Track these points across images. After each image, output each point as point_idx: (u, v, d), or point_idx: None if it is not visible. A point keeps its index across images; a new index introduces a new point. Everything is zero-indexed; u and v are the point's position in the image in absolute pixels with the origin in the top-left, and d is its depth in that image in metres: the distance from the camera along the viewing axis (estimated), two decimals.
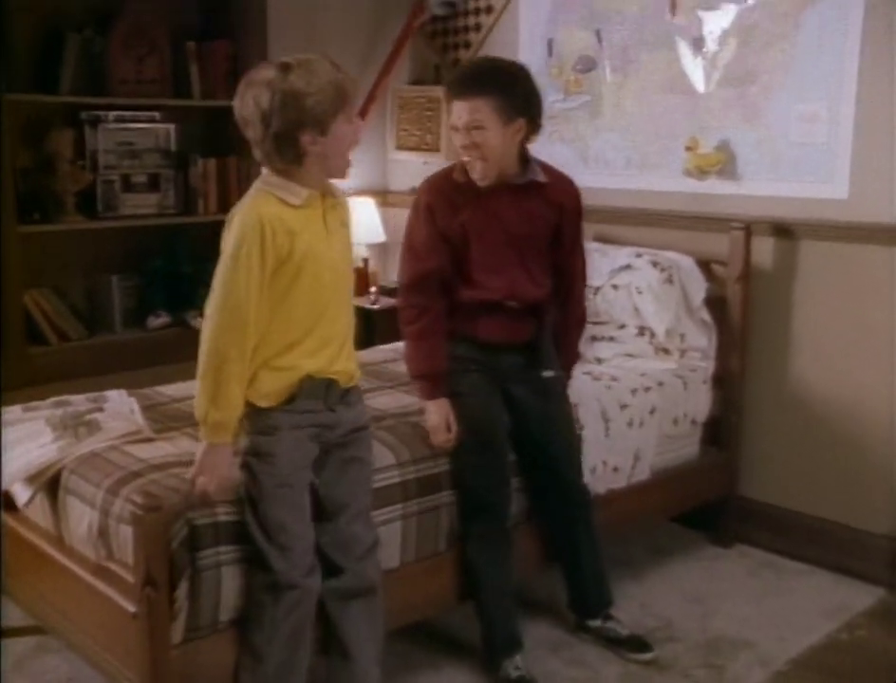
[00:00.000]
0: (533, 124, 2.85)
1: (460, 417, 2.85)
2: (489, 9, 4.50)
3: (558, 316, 3.03)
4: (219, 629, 2.37)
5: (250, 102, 2.29)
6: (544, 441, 2.97)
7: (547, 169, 2.94)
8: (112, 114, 4.03)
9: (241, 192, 4.22)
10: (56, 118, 3.90)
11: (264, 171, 2.39)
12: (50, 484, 2.62)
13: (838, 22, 3.41)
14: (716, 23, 3.71)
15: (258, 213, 2.28)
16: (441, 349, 2.89)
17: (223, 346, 2.29)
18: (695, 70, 3.79)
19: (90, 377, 3.54)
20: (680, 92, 3.85)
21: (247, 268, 2.27)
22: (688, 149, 3.79)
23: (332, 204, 2.42)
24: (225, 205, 4.31)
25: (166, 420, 2.92)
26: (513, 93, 2.78)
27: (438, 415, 2.84)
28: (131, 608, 2.25)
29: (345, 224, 2.48)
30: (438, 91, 4.59)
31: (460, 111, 2.79)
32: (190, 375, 3.43)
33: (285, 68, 2.30)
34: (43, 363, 3.73)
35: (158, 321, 4.16)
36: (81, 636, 2.51)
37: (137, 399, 3.03)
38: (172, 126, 4.21)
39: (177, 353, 4.05)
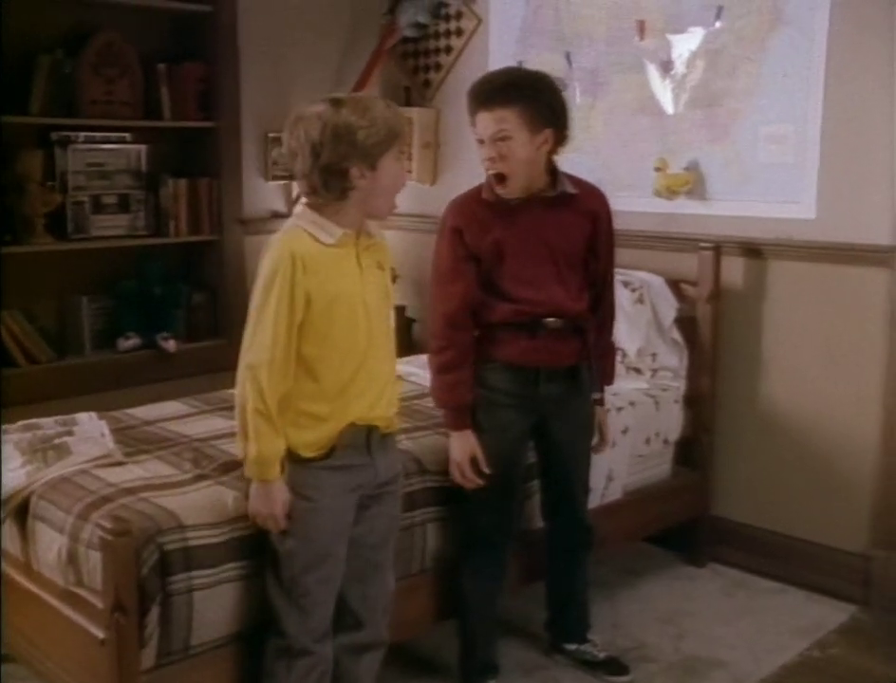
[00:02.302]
0: (560, 135, 2.74)
1: (483, 455, 2.75)
2: (459, 32, 4.52)
3: (595, 332, 2.90)
4: (191, 654, 2.34)
5: (300, 134, 2.25)
6: (568, 479, 2.94)
7: (575, 180, 2.82)
8: (82, 135, 4.00)
9: (212, 213, 4.32)
10: (26, 139, 3.87)
11: (298, 208, 2.38)
12: (19, 509, 2.59)
13: (803, 45, 3.45)
14: (684, 46, 3.75)
15: (290, 249, 2.24)
16: (468, 381, 2.76)
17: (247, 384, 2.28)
18: (664, 92, 3.83)
19: (60, 399, 3.50)
20: (649, 114, 3.88)
21: (275, 309, 2.23)
22: (657, 170, 3.82)
23: (367, 245, 2.36)
24: (196, 226, 4.31)
25: (137, 443, 2.89)
26: (539, 102, 2.67)
27: (461, 449, 2.74)
28: (100, 634, 2.22)
29: (381, 266, 2.41)
30: (410, 112, 4.61)
31: (486, 122, 2.68)
32: (161, 397, 3.46)
33: (337, 103, 2.25)
34: (11, 386, 3.69)
35: (128, 343, 4.12)
36: (49, 664, 2.47)
37: (107, 422, 3.01)
38: (143, 147, 4.19)
39: (148, 375, 4.07)
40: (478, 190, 2.81)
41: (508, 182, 2.71)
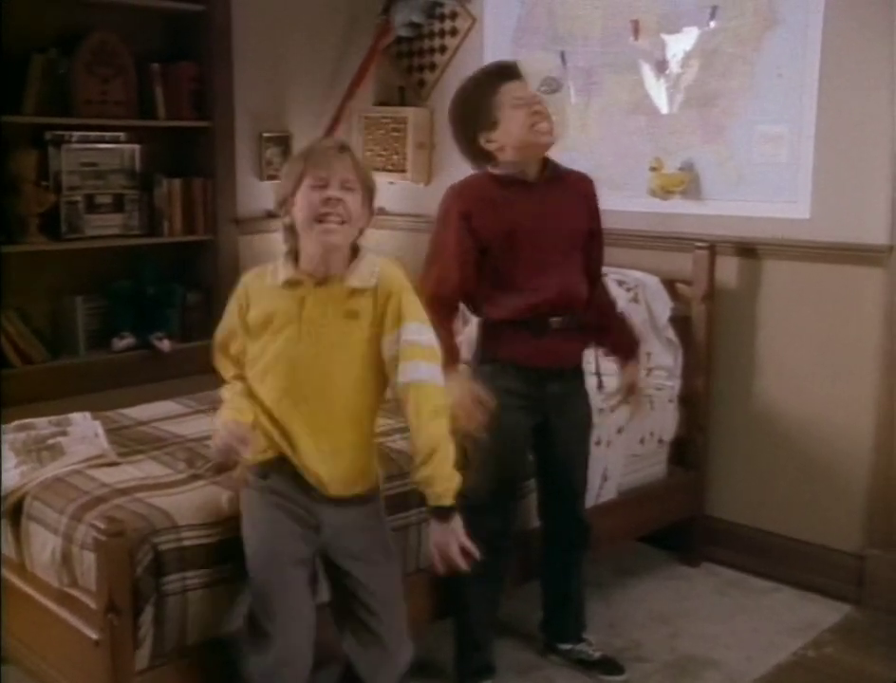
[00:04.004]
0: None
1: (487, 458, 2.71)
2: (454, 32, 4.52)
3: (597, 313, 2.93)
4: (186, 655, 2.34)
5: None
6: (568, 477, 2.95)
7: (560, 166, 2.88)
8: (76, 134, 3.99)
9: (207, 213, 4.32)
10: (20, 138, 3.86)
11: None
12: (13, 510, 2.58)
13: (798, 45, 3.46)
14: (678, 46, 3.75)
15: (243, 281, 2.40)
16: (452, 334, 2.76)
17: None
18: (658, 92, 3.83)
19: (54, 399, 3.49)
20: (643, 114, 3.88)
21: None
22: (652, 169, 3.82)
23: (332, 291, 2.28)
24: (190, 226, 4.30)
25: (131, 443, 2.89)
26: None
27: (459, 389, 2.61)
28: (94, 635, 2.22)
29: (352, 315, 2.28)
30: (405, 112, 4.61)
31: (523, 87, 2.80)
32: (155, 397, 3.45)
33: None
34: (5, 387, 3.68)
35: (122, 342, 4.11)
36: (43, 666, 2.47)
37: (101, 422, 3.00)
38: (137, 147, 4.19)
39: (143, 375, 4.06)
40: (484, 173, 2.81)
41: (552, 128, 2.77)
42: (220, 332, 2.43)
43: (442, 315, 2.66)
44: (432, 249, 2.82)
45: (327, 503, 2.30)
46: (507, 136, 2.73)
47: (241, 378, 2.37)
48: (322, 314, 2.26)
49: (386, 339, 2.27)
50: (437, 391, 2.28)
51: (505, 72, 2.81)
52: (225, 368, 2.43)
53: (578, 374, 2.90)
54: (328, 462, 2.28)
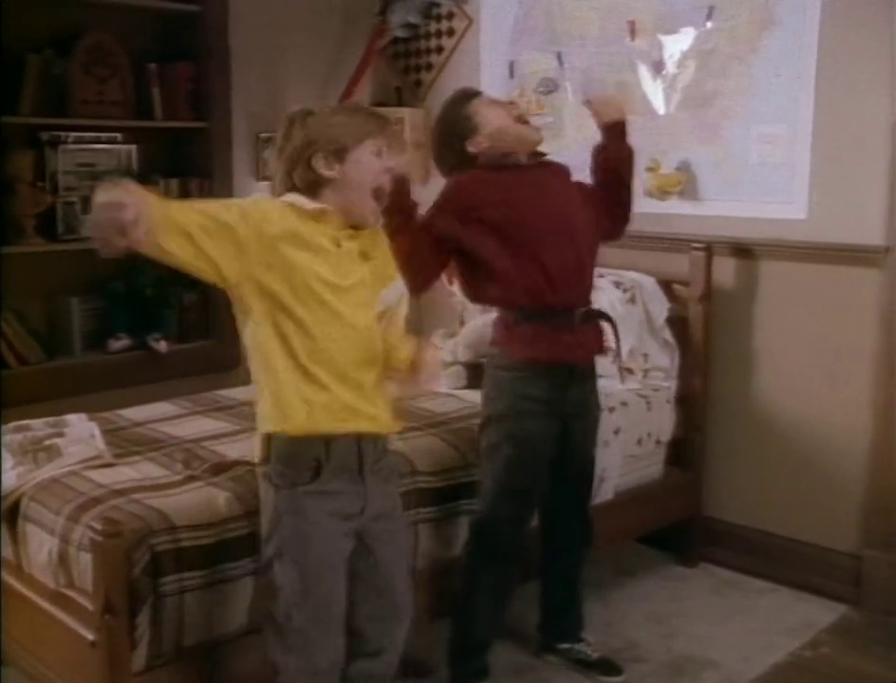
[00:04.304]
0: None
1: (508, 465, 2.71)
2: (450, 32, 4.52)
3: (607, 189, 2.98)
4: (183, 656, 2.34)
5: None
6: (580, 478, 2.96)
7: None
8: (72, 135, 3.98)
9: None
10: (16, 139, 3.85)
11: None
12: (9, 511, 2.58)
13: (795, 45, 3.46)
14: (675, 46, 3.76)
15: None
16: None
17: None
18: (655, 93, 3.83)
19: (50, 401, 3.48)
20: (640, 114, 3.88)
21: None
22: (649, 170, 3.82)
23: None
24: None
25: (127, 444, 2.89)
26: None
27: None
28: (90, 636, 2.22)
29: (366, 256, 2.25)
30: (401, 112, 4.61)
31: (487, 98, 2.91)
32: (152, 398, 3.45)
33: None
34: (2, 388, 3.67)
35: (118, 343, 4.10)
36: (39, 667, 2.47)
37: (97, 423, 3.00)
38: (133, 147, 4.17)
39: (139, 376, 4.05)
40: (481, 168, 2.81)
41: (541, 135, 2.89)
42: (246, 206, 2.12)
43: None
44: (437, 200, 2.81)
45: (373, 475, 2.23)
46: (491, 131, 2.78)
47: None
48: (348, 254, 2.19)
49: (384, 282, 2.27)
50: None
51: (472, 93, 2.92)
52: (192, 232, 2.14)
53: (594, 374, 2.91)
54: (379, 400, 2.25)
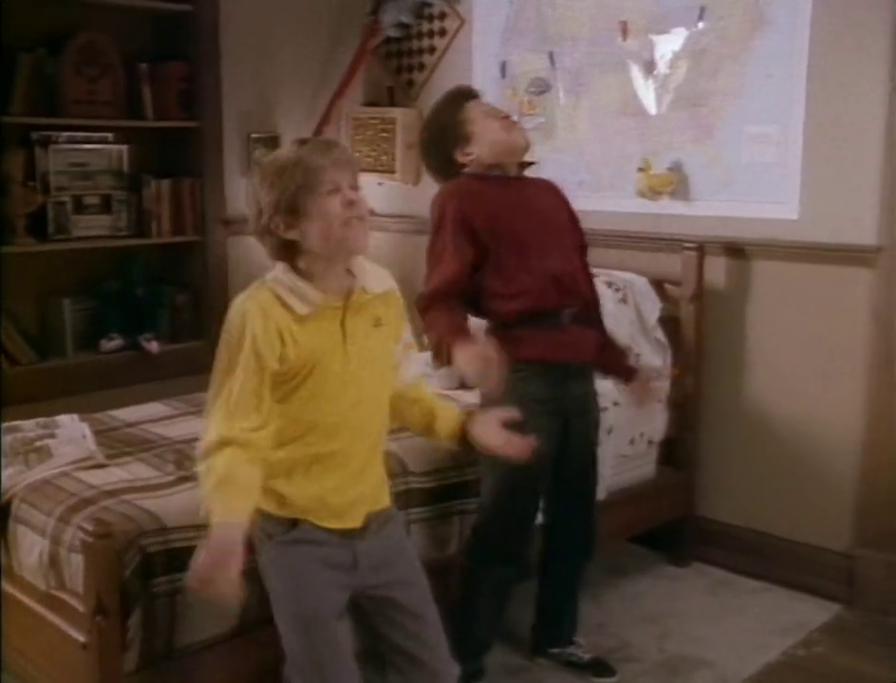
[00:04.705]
0: None
1: (509, 464, 2.57)
2: (442, 32, 4.52)
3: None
4: (174, 657, 2.33)
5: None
6: (585, 478, 2.93)
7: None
8: (64, 135, 3.98)
9: (195, 213, 4.30)
10: (7, 138, 3.84)
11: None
12: (0, 513, 2.57)
13: (786, 45, 3.46)
14: (667, 46, 3.75)
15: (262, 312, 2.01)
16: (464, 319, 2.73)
17: None
18: (647, 93, 3.83)
19: (41, 401, 3.47)
20: (632, 114, 3.88)
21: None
22: (641, 170, 3.82)
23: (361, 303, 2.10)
24: (179, 227, 4.29)
25: (119, 445, 2.88)
26: None
27: (466, 355, 2.49)
28: (81, 638, 2.21)
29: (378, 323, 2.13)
30: (393, 112, 4.61)
31: (483, 103, 2.92)
32: (143, 398, 3.44)
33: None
34: (1, 387, 3.66)
35: (110, 344, 4.10)
36: (30, 669, 2.46)
37: (89, 424, 2.99)
38: (125, 147, 4.17)
39: (131, 376, 4.04)
40: (466, 177, 2.82)
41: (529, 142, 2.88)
42: (250, 380, 1.98)
43: (451, 304, 2.69)
44: (431, 255, 2.78)
45: (361, 531, 2.11)
46: (483, 143, 2.79)
47: (256, 431, 1.99)
48: (360, 330, 2.08)
49: (398, 340, 2.20)
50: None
51: (466, 94, 2.92)
52: (245, 420, 1.98)
53: (591, 374, 2.91)
54: (359, 484, 2.11)
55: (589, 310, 2.88)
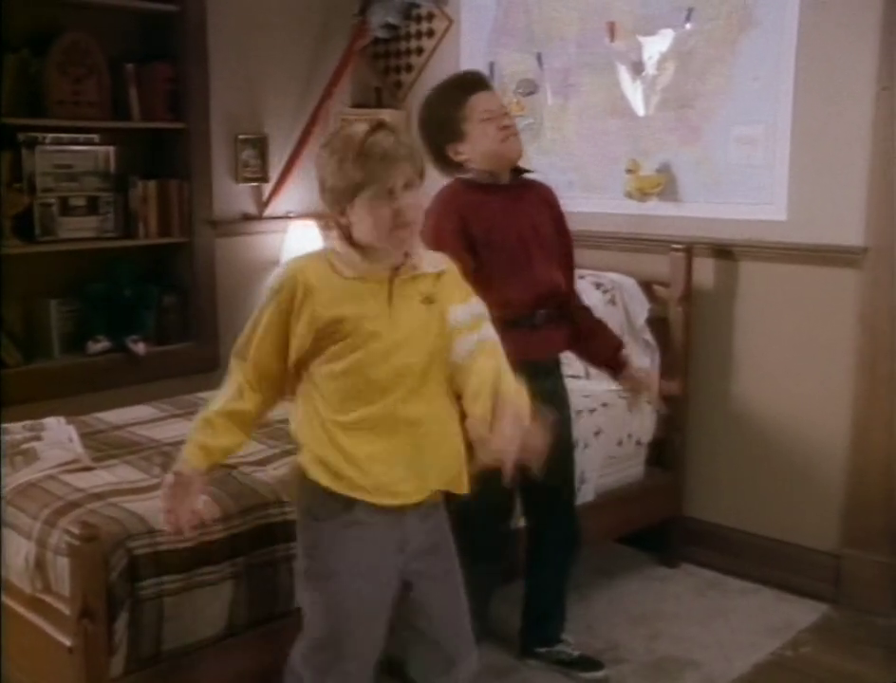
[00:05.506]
0: None
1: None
2: (430, 33, 4.52)
3: (584, 314, 3.00)
4: (162, 660, 2.32)
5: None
6: (562, 472, 2.91)
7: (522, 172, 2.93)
8: (50, 136, 3.95)
9: (182, 215, 4.29)
10: None
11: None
12: None
13: (773, 46, 3.47)
14: (654, 47, 3.76)
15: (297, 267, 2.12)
16: None
17: None
18: (634, 94, 3.84)
19: (27, 404, 3.45)
20: (620, 115, 3.89)
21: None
22: (629, 171, 3.82)
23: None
24: (166, 228, 4.27)
25: (106, 448, 2.87)
26: None
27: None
28: (67, 642, 2.19)
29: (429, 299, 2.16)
30: (382, 114, 4.59)
31: (493, 97, 2.81)
32: (130, 400, 3.42)
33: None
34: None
35: (97, 346, 4.08)
36: (16, 673, 2.44)
37: (75, 427, 2.97)
38: (111, 148, 4.15)
39: (118, 378, 4.03)
40: (455, 181, 2.81)
41: (521, 152, 2.81)
42: (255, 329, 2.12)
43: None
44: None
45: (413, 509, 2.15)
46: (475, 148, 2.75)
47: (248, 384, 2.13)
48: (406, 303, 2.12)
49: (458, 308, 2.19)
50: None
51: (472, 84, 2.81)
52: (240, 371, 2.14)
53: (559, 367, 2.92)
54: (417, 459, 2.13)
55: (562, 308, 2.88)
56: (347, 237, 2.11)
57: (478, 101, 2.75)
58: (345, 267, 2.09)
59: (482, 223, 2.73)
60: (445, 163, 2.82)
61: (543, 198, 2.93)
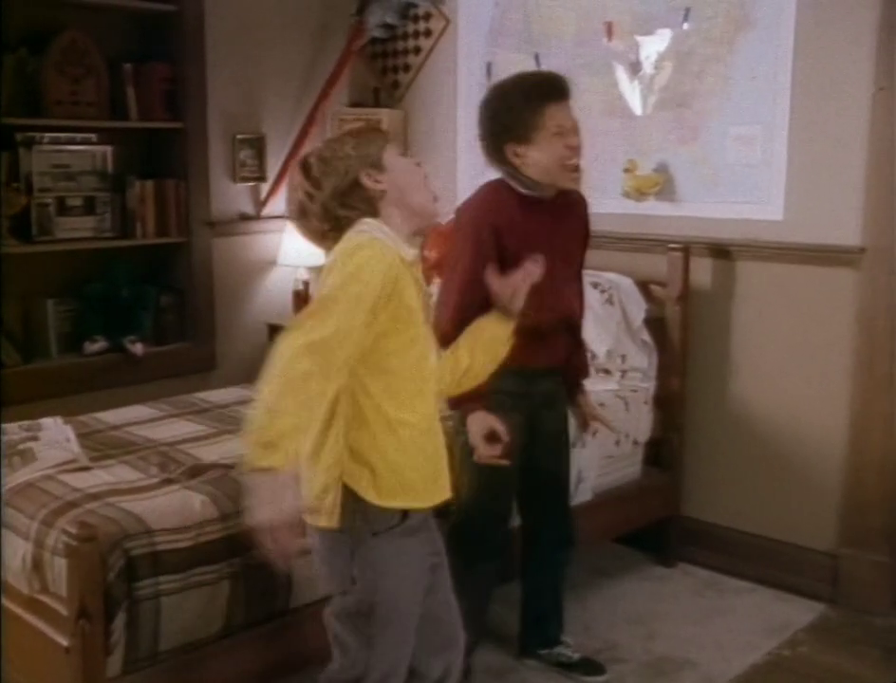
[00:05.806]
0: None
1: (485, 467, 2.61)
2: (428, 33, 4.52)
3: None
4: (159, 660, 2.32)
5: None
6: (557, 471, 2.94)
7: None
8: (47, 136, 3.95)
9: (180, 215, 4.28)
10: None
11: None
12: None
13: (771, 46, 3.47)
14: (652, 47, 3.76)
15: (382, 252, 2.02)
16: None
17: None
18: (632, 94, 3.84)
19: (25, 404, 3.45)
20: (617, 115, 3.89)
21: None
22: (627, 171, 3.83)
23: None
24: (163, 228, 4.27)
25: (103, 448, 2.87)
26: None
27: (476, 427, 2.56)
28: (65, 642, 2.19)
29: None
30: (379, 113, 4.60)
31: (568, 112, 2.65)
32: (128, 401, 3.42)
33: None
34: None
35: (94, 346, 4.08)
36: (13, 673, 2.44)
37: (73, 427, 2.98)
38: (109, 148, 4.15)
39: (115, 378, 4.03)
40: (501, 185, 2.73)
41: (581, 175, 2.70)
42: (352, 320, 1.92)
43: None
44: (451, 267, 2.73)
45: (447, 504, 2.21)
46: (536, 159, 2.64)
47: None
48: (424, 290, 2.14)
49: None
50: None
51: (555, 92, 2.66)
52: (335, 373, 1.93)
53: (559, 371, 2.92)
54: (442, 452, 2.17)
55: (570, 322, 2.88)
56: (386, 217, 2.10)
57: (556, 114, 2.62)
58: (403, 249, 2.08)
59: (516, 238, 2.65)
60: (499, 158, 2.70)
61: (578, 215, 2.88)
